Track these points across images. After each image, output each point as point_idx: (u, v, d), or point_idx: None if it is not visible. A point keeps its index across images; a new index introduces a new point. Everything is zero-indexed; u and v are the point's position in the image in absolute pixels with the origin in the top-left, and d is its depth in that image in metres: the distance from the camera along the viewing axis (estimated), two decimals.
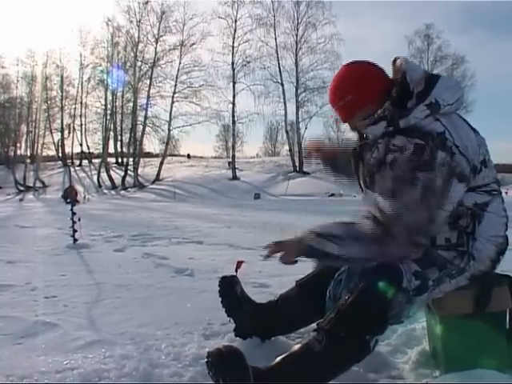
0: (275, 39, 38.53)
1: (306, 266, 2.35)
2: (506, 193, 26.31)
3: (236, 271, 2.48)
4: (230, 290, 2.36)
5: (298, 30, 38.59)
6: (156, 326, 2.66)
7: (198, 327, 2.61)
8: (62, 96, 45.25)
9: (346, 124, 2.11)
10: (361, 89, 1.97)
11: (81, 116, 45.30)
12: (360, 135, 2.14)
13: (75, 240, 5.86)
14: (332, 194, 26.15)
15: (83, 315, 2.87)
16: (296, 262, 1.96)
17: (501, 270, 2.07)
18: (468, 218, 1.91)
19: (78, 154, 48.84)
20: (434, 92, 1.86)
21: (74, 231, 5.86)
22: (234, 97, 38.09)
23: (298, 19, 38.51)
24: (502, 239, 1.99)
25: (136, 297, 3.32)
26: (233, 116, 38.39)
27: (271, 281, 3.68)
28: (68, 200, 6.84)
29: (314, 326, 1.94)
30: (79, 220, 5.92)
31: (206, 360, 1.87)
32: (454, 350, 2.02)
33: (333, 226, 1.89)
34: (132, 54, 39.44)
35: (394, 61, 2.01)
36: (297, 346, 1.84)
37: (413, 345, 2.40)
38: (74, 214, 5.91)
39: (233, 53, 38.08)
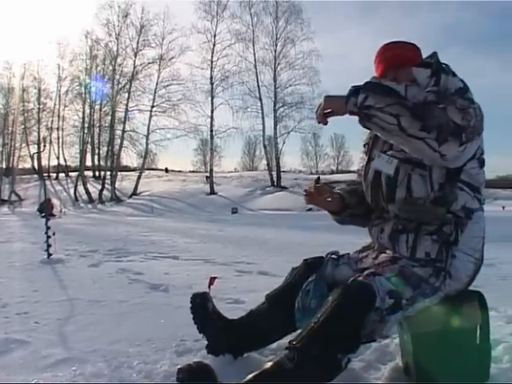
0: (254, 54, 38.94)
1: (278, 282, 2.37)
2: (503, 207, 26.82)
3: (209, 287, 2.48)
4: (201, 306, 2.34)
5: (276, 45, 39.03)
6: (129, 342, 2.63)
7: (171, 344, 2.59)
8: (39, 108, 44.95)
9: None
10: (415, 54, 2.14)
11: (58, 129, 44.95)
12: None
13: (49, 255, 5.81)
14: (310, 209, 26.17)
15: (55, 332, 2.83)
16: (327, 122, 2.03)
17: (471, 286, 2.09)
18: (452, 226, 1.94)
19: (54, 166, 48.41)
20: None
21: (49, 246, 5.80)
22: (212, 111, 38.33)
23: (276, 35, 38.96)
24: (479, 254, 2.01)
25: (109, 313, 3.29)
26: (211, 130, 38.53)
27: (245, 296, 3.67)
28: (43, 214, 6.76)
29: (287, 341, 1.94)
30: (54, 234, 5.86)
31: (176, 377, 1.86)
32: (426, 366, 2.02)
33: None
34: (110, 68, 39.52)
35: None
36: (268, 364, 1.83)
37: (386, 360, 2.40)
38: (48, 228, 5.86)
39: (211, 67, 38.35)
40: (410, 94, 1.83)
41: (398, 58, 2.12)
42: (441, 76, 1.98)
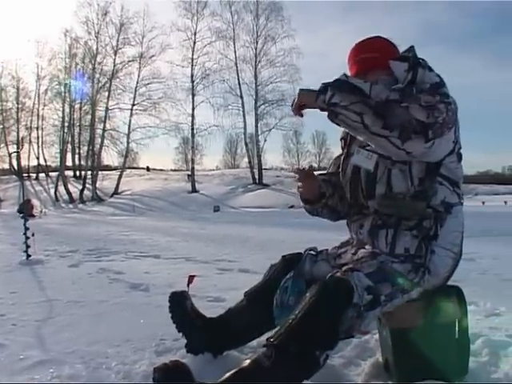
0: (235, 52, 38.95)
1: (259, 280, 2.36)
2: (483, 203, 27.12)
3: (188, 286, 2.46)
4: (179, 305, 2.32)
5: (257, 43, 39.05)
6: (107, 343, 2.60)
7: (151, 344, 2.57)
8: (17, 108, 44.29)
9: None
10: (388, 54, 2.10)
11: (37, 128, 44.35)
12: None
13: (28, 256, 5.74)
14: (292, 206, 26.27)
15: (32, 334, 2.79)
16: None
17: (451, 281, 2.09)
18: (431, 221, 1.95)
19: (34, 167, 47.92)
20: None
21: (27, 247, 5.74)
22: (193, 109, 38.27)
23: (257, 32, 38.97)
24: (457, 249, 2.01)
25: (88, 313, 3.25)
26: (192, 129, 38.44)
27: (226, 294, 3.65)
28: (22, 214, 6.69)
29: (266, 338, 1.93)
30: (33, 235, 5.80)
31: (152, 376, 1.84)
32: (405, 362, 2.03)
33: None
34: (90, 66, 39.22)
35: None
36: (246, 362, 1.81)
37: (366, 357, 2.40)
38: (27, 229, 5.80)
39: (192, 65, 38.26)
40: (374, 93, 1.83)
41: (367, 62, 2.13)
42: (418, 70, 1.99)
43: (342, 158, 2.26)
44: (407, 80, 1.98)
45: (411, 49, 2.11)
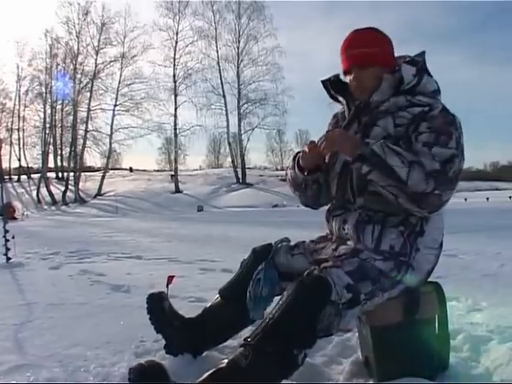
0: (217, 51, 39.01)
1: None
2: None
3: (167, 286, 2.44)
4: (157, 306, 2.29)
5: (239, 42, 39.15)
6: (87, 346, 2.56)
7: (130, 345, 2.53)
8: None
9: (348, 76, 2.15)
10: (387, 50, 2.12)
11: (18, 130, 43.98)
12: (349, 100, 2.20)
13: (8, 259, 5.67)
14: (275, 205, 26.32)
15: (10, 338, 2.73)
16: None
17: (433, 277, 2.10)
18: (417, 217, 1.95)
19: (16, 169, 47.44)
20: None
21: (7, 249, 5.66)
22: (175, 109, 38.26)
23: (239, 31, 39.06)
24: (438, 245, 2.02)
25: (68, 316, 3.20)
26: (175, 129, 38.39)
27: (208, 295, 3.61)
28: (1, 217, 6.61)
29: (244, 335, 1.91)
30: (13, 237, 5.72)
31: (127, 377, 1.82)
32: (386, 359, 2.02)
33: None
34: (71, 66, 38.96)
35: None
36: (224, 362, 1.79)
37: (348, 355, 2.39)
38: (6, 231, 5.73)
39: (174, 65, 38.25)
40: (411, 182, 1.81)
41: (364, 57, 2.08)
42: (423, 76, 2.03)
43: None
44: (411, 84, 2.02)
45: (422, 54, 2.13)
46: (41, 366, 2.26)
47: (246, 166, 40.03)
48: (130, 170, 54.42)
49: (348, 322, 1.87)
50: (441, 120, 1.91)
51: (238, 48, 39.09)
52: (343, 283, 1.82)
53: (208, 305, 2.37)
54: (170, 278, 2.47)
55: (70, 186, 38.18)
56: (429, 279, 2.09)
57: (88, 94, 38.64)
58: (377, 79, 2.06)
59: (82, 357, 2.39)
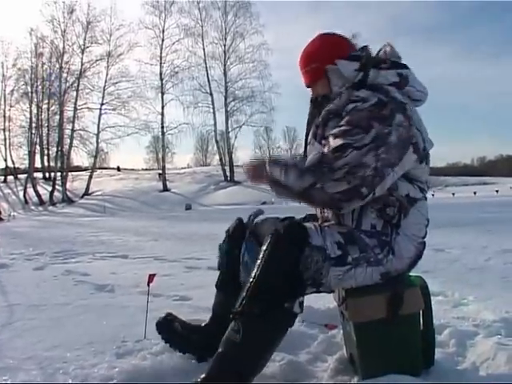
0: (203, 49, 38.85)
1: None
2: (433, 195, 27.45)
3: (148, 285, 2.40)
4: (170, 333, 2.26)
5: (226, 39, 39.02)
6: (67, 347, 2.50)
7: (111, 346, 2.48)
8: None
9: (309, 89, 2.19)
10: (328, 59, 2.05)
11: (4, 130, 43.44)
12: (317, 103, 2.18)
13: None
14: (264, 202, 26.31)
15: None
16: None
17: (416, 271, 2.08)
18: (395, 209, 1.92)
19: (2, 169, 47.03)
20: (407, 72, 2.01)
21: None
22: (162, 107, 38.08)
23: (225, 29, 38.94)
24: (421, 240, 1.99)
25: (50, 317, 3.15)
26: (162, 127, 38.23)
27: (193, 293, 3.60)
28: None
29: None
30: None
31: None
32: (370, 356, 1.99)
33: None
34: (57, 65, 38.62)
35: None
36: (220, 345, 1.78)
37: (333, 352, 2.35)
38: None
39: (161, 63, 38.10)
40: (290, 183, 1.82)
41: (311, 75, 2.13)
42: (369, 70, 1.98)
43: (305, 142, 2.22)
44: (357, 79, 1.99)
45: (365, 48, 2.10)
46: (19, 369, 2.21)
47: (234, 164, 39.87)
48: (118, 169, 54.24)
49: (330, 282, 1.85)
50: (364, 114, 1.85)
51: (224, 45, 39.01)
52: (335, 239, 1.83)
53: (213, 303, 2.33)
54: (151, 277, 2.44)
55: (57, 186, 37.93)
56: (414, 273, 2.06)
57: (74, 93, 38.43)
58: (327, 86, 2.08)
59: (61, 358, 2.35)
